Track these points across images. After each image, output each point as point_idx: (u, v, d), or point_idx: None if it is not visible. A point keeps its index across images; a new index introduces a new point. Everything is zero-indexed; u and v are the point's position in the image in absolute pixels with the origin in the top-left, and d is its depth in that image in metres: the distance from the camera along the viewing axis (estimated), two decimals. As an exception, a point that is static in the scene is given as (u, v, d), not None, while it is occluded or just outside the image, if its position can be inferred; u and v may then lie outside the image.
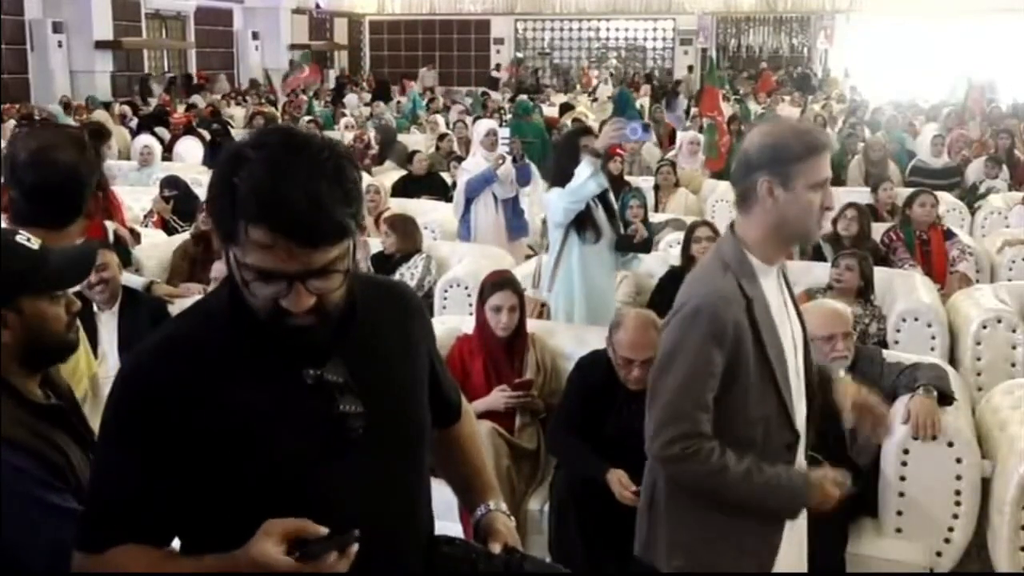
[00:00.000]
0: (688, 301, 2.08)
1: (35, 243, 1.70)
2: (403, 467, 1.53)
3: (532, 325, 3.86)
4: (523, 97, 15.19)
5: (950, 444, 3.20)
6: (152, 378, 1.40)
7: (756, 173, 2.03)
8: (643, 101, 16.78)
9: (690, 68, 22.16)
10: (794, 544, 2.22)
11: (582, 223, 4.45)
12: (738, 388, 2.04)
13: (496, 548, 1.60)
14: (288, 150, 1.31)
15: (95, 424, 2.14)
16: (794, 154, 2.01)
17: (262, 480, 1.38)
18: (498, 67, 23.85)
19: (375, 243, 5.74)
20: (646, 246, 4.76)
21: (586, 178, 4.27)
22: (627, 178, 7.66)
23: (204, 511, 1.41)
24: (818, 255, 5.51)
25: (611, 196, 4.69)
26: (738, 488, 2.03)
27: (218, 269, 5.25)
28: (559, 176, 4.49)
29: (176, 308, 4.47)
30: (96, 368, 2.34)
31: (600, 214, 4.54)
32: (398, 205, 6.84)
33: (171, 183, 7.14)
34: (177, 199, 6.93)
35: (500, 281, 3.70)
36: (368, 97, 18.56)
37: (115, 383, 1.43)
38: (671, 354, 2.07)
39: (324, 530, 1.31)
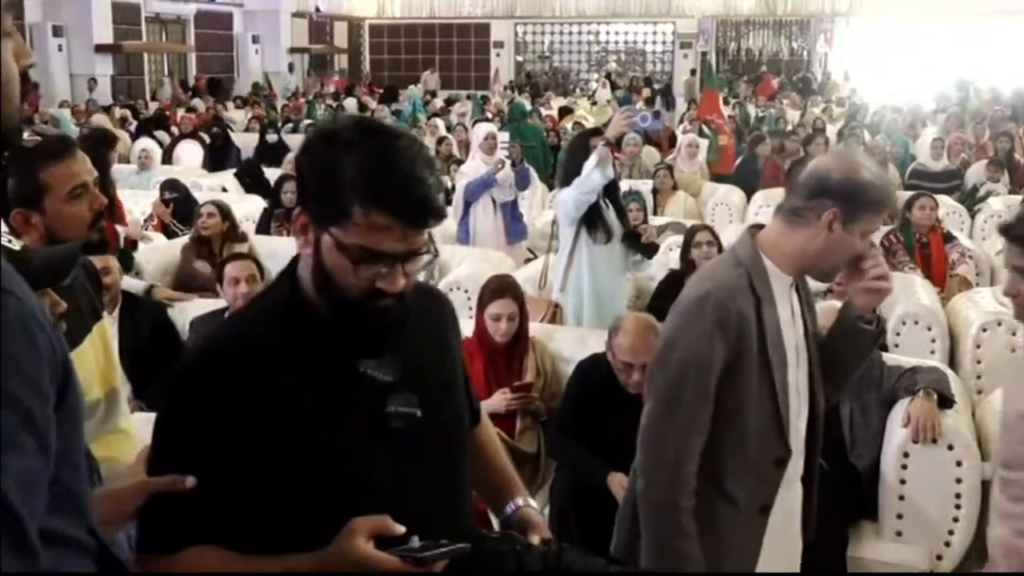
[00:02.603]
0: (693, 290, 2.05)
1: (16, 244, 1.70)
2: (447, 464, 1.56)
3: (533, 328, 3.86)
4: (519, 100, 15.18)
5: (950, 447, 3.20)
6: (208, 377, 1.42)
7: (828, 199, 1.98)
8: (641, 104, 16.78)
9: (692, 72, 22.16)
10: (787, 546, 2.20)
11: (592, 223, 4.48)
12: (736, 390, 2.01)
13: (535, 540, 1.62)
14: (387, 136, 1.39)
15: (110, 437, 2.15)
16: (871, 200, 1.99)
17: (311, 474, 1.40)
18: (497, 73, 23.86)
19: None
20: (651, 250, 4.77)
21: (592, 167, 4.30)
22: (627, 181, 7.66)
23: (256, 506, 1.42)
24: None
25: (620, 197, 4.72)
26: (672, 552, 2.02)
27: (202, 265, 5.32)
28: (569, 176, 4.51)
29: (176, 312, 4.47)
30: (117, 383, 2.33)
31: (611, 215, 4.56)
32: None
33: (171, 186, 7.14)
34: (176, 202, 6.94)
35: (500, 288, 3.69)
36: (369, 102, 18.55)
37: (171, 383, 1.47)
38: (671, 343, 2.04)
39: (401, 528, 1.34)
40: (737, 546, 2.10)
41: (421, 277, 4.98)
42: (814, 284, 5.04)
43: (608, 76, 22.83)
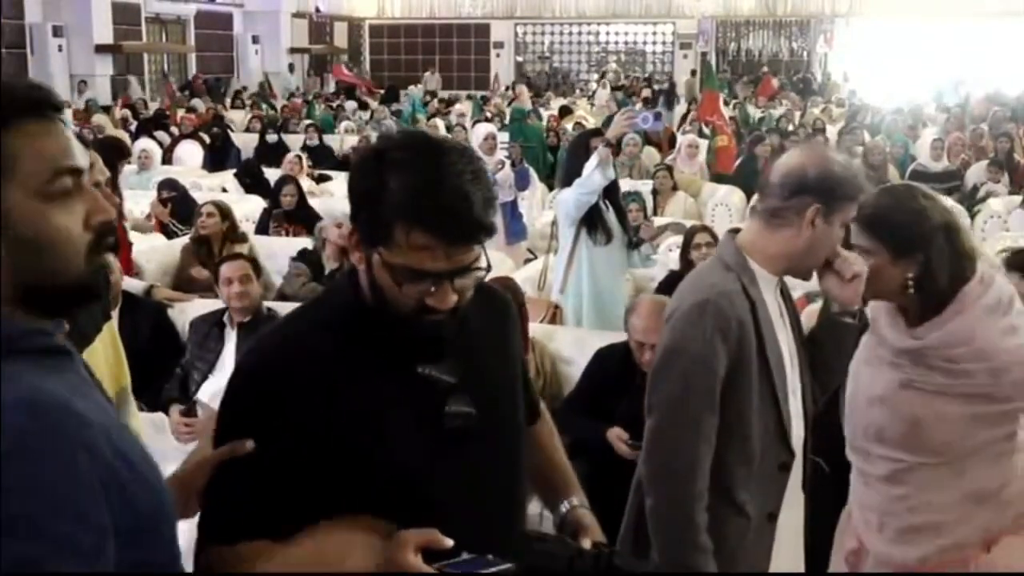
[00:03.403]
0: (688, 298, 2.01)
1: None
2: (504, 467, 1.55)
3: (533, 329, 3.86)
4: (517, 103, 15.16)
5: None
6: (267, 376, 1.43)
7: (808, 196, 1.96)
8: (640, 105, 16.77)
9: (693, 72, 22.16)
10: (791, 551, 2.20)
11: (593, 224, 4.49)
12: (739, 397, 1.98)
13: (586, 543, 1.61)
14: (434, 152, 1.38)
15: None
16: (848, 192, 1.98)
17: (368, 477, 1.41)
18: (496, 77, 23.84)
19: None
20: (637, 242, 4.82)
21: (593, 168, 4.31)
22: (628, 182, 7.66)
23: (313, 507, 1.42)
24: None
25: (620, 198, 4.73)
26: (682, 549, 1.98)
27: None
28: (569, 177, 4.52)
29: (176, 312, 4.47)
30: (126, 381, 2.32)
31: (611, 216, 4.57)
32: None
33: (168, 185, 7.15)
34: (175, 201, 6.94)
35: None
36: (369, 102, 18.55)
37: (232, 380, 1.47)
38: (672, 352, 1.99)
39: (450, 542, 1.32)
40: (749, 557, 2.08)
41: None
42: (814, 286, 5.03)
43: (602, 76, 22.73)
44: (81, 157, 1.13)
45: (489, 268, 1.43)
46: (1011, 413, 2.10)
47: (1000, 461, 2.13)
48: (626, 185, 6.63)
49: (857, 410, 2.26)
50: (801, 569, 2.26)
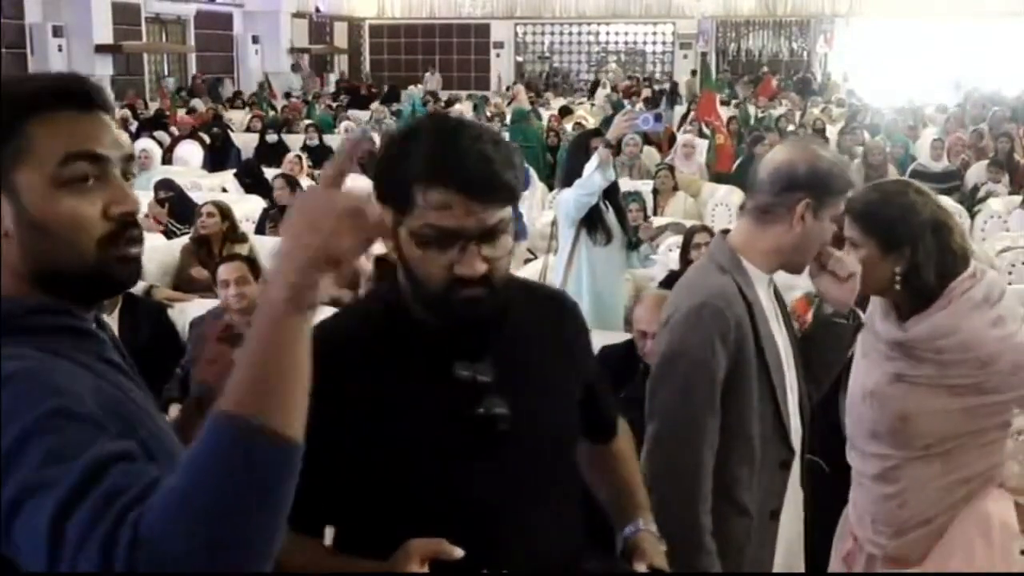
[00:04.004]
0: (685, 301, 2.00)
1: None
2: (544, 474, 1.51)
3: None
4: (517, 104, 15.16)
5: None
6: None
7: (799, 192, 1.96)
8: (640, 106, 16.76)
9: (693, 72, 22.14)
10: (791, 548, 2.20)
11: (592, 224, 4.49)
12: (739, 398, 1.97)
13: (641, 568, 1.58)
14: (452, 121, 1.41)
15: None
16: (837, 186, 1.99)
17: (402, 475, 1.40)
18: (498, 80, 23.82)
19: (378, 246, 5.76)
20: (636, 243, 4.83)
21: (593, 169, 4.31)
22: (628, 182, 7.67)
23: (349, 502, 1.43)
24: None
25: (620, 199, 4.73)
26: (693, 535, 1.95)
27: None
28: (569, 177, 4.52)
29: (176, 312, 4.47)
30: None
31: (611, 217, 4.57)
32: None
33: (165, 185, 7.14)
34: (172, 201, 6.93)
35: None
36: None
37: None
38: (671, 357, 1.97)
39: (459, 552, 1.30)
40: (753, 555, 2.07)
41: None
42: (811, 285, 5.02)
43: (595, 84, 22.54)
44: (110, 146, 1.14)
45: (518, 236, 1.40)
46: (1001, 405, 2.12)
47: (991, 449, 2.16)
48: (626, 185, 6.64)
49: (854, 406, 2.28)
50: (801, 566, 2.26)
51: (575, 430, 1.61)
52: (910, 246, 2.09)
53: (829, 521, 2.49)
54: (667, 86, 20.74)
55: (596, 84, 21.81)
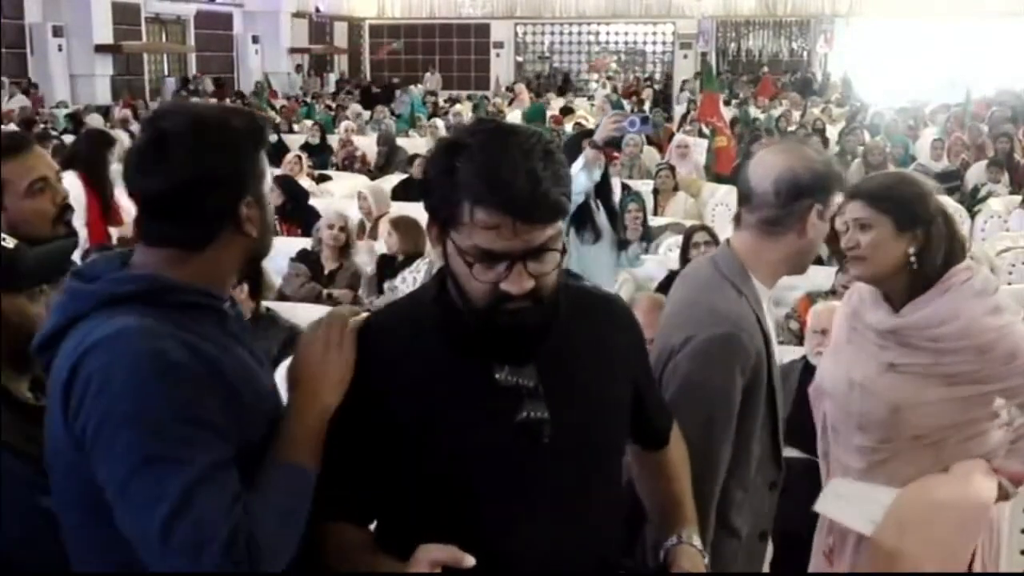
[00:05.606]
0: (709, 327, 1.90)
1: (10, 241, 1.70)
2: (585, 481, 1.49)
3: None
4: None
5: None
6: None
7: (807, 199, 1.93)
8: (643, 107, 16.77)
9: (697, 74, 22.13)
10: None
11: (581, 223, 4.48)
12: (747, 424, 1.93)
13: None
14: (502, 134, 1.37)
15: None
16: (837, 183, 1.99)
17: (440, 476, 1.41)
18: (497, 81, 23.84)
19: (379, 246, 5.78)
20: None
21: (578, 170, 4.31)
22: (627, 181, 7.66)
23: (390, 498, 1.45)
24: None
25: (614, 199, 4.72)
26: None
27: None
28: None
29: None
30: None
31: (601, 216, 4.56)
32: (398, 209, 6.86)
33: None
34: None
35: None
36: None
37: None
38: (692, 386, 1.88)
39: (471, 560, 1.29)
40: None
41: (421, 277, 4.92)
42: (815, 286, 4.99)
43: (608, 77, 22.69)
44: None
45: (564, 251, 1.39)
46: (992, 395, 2.13)
47: (981, 440, 2.16)
48: (628, 185, 6.64)
49: (838, 397, 2.27)
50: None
51: (619, 439, 1.59)
52: (923, 227, 2.11)
53: (802, 519, 2.45)
54: (670, 89, 20.72)
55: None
